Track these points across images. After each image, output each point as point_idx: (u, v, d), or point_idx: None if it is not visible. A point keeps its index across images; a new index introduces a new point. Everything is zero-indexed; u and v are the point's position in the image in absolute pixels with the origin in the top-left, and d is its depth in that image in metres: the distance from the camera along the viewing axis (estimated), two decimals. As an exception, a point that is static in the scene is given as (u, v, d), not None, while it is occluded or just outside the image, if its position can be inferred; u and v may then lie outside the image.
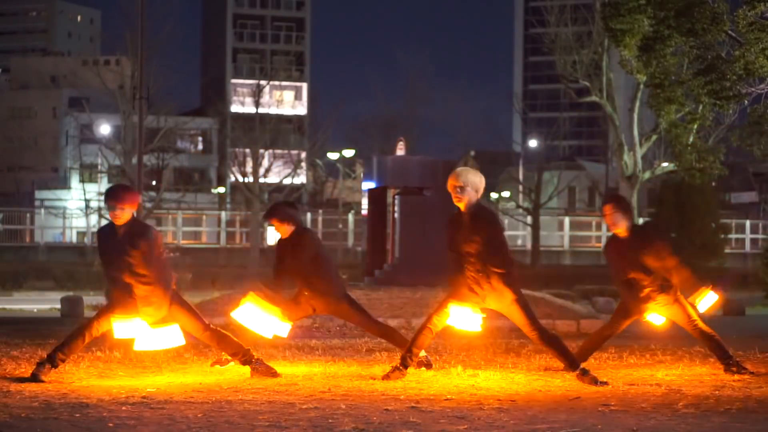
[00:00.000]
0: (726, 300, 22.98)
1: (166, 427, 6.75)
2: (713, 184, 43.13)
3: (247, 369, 9.35)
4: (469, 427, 6.87)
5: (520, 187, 61.97)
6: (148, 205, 47.66)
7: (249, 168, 58.08)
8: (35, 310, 25.28)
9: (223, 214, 60.87)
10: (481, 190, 9.16)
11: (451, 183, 9.10)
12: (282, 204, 10.15)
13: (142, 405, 7.57)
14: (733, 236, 54.72)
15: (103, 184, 63.46)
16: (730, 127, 28.32)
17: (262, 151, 58.34)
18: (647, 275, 9.74)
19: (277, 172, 61.23)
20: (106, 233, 9.18)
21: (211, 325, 9.43)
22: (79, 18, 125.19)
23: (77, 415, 7.13)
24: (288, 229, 9.93)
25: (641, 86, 31.71)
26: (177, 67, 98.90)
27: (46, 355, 9.21)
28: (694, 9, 18.37)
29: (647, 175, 35.27)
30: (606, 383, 8.97)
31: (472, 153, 77.75)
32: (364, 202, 20.90)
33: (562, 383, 9.09)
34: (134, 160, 45.57)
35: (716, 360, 10.11)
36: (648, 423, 7.10)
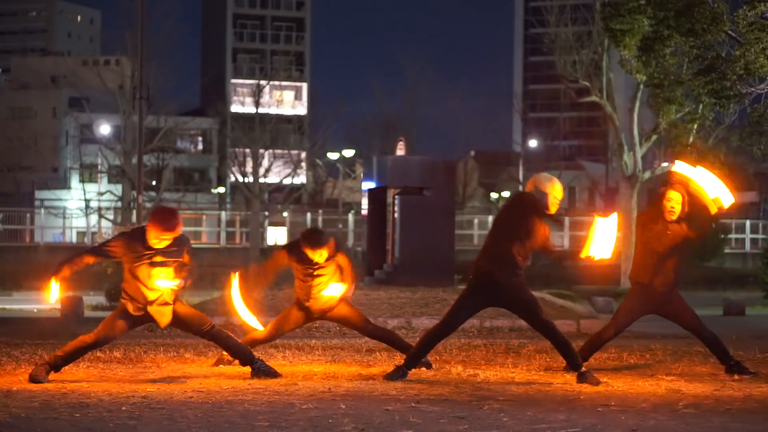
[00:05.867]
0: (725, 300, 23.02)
1: (166, 427, 6.75)
2: (713, 184, 42.79)
3: (247, 369, 9.34)
4: (469, 427, 6.86)
5: (520, 187, 61.97)
6: (149, 205, 47.63)
7: (249, 168, 58.11)
8: (35, 310, 25.24)
9: (223, 214, 60.81)
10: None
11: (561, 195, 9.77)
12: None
13: (142, 405, 7.57)
14: (733, 236, 54.68)
15: (104, 184, 63.48)
16: (730, 127, 28.29)
17: (262, 151, 58.37)
18: (678, 266, 9.72)
19: (277, 172, 61.26)
20: None
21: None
22: (79, 18, 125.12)
23: (77, 415, 7.13)
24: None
25: (641, 86, 31.68)
26: (177, 67, 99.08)
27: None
28: (694, 9, 18.39)
29: (647, 175, 35.21)
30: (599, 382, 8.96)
31: (472, 153, 77.75)
32: (364, 202, 20.88)
33: (562, 383, 9.09)
34: (134, 160, 45.58)
35: (716, 360, 10.11)
36: (648, 423, 7.10)
